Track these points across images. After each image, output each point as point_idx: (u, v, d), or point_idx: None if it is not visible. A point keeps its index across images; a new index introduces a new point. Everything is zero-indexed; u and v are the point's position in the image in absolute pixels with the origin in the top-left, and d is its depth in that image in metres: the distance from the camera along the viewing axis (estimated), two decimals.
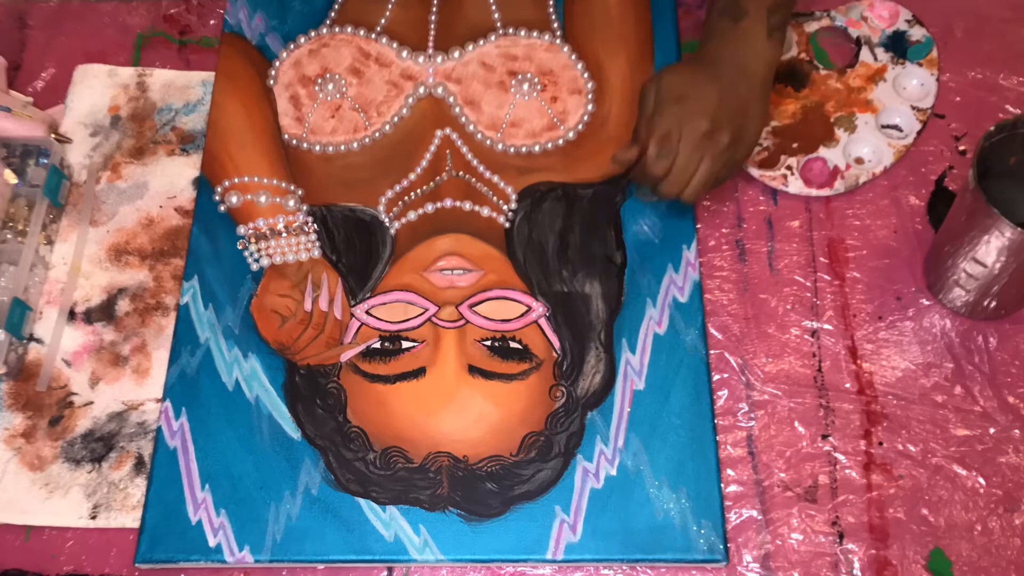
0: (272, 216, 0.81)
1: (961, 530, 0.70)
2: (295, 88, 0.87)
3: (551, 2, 0.90)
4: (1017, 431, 0.73)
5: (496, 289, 0.77)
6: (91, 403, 0.76)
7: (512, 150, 0.84)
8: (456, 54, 0.87)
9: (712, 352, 0.76)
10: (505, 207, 0.81)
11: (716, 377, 0.75)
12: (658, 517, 0.69)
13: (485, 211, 0.81)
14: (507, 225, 0.80)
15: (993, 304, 0.75)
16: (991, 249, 0.69)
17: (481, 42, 0.88)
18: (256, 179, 0.82)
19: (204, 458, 0.72)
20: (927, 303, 0.78)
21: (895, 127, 0.84)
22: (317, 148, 0.84)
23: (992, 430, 0.73)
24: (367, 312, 0.76)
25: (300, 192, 0.82)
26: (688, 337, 0.75)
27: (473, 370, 0.74)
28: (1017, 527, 0.70)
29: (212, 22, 0.93)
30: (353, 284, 0.78)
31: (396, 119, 0.85)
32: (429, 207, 0.81)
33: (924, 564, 0.69)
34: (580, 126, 0.85)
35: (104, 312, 0.79)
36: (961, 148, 0.84)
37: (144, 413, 0.75)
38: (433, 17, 0.90)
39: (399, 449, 0.72)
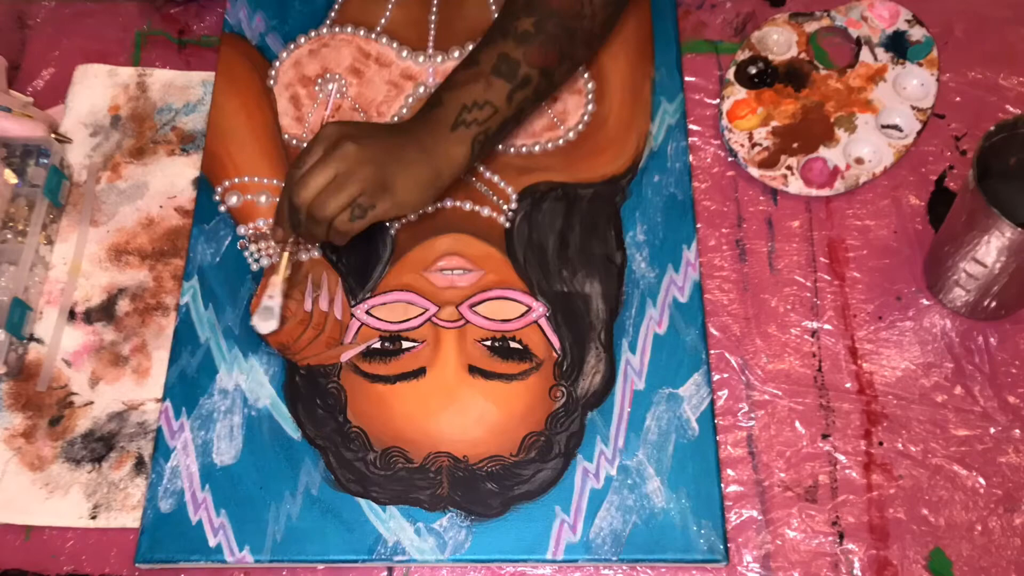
0: (272, 216, 0.81)
1: (961, 530, 0.70)
2: (295, 88, 0.87)
3: None
4: (1017, 431, 0.73)
5: (496, 289, 0.77)
6: (91, 403, 0.76)
7: (512, 150, 0.84)
8: (456, 54, 0.87)
9: (712, 352, 0.76)
10: (505, 207, 0.81)
11: (716, 377, 0.75)
12: (658, 517, 0.69)
13: (485, 211, 0.81)
14: (507, 225, 0.80)
15: (993, 304, 0.75)
16: (991, 249, 0.69)
17: None
18: (256, 179, 0.82)
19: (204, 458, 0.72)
20: (927, 303, 0.78)
21: (895, 127, 0.84)
22: None
23: (992, 430, 0.73)
24: (367, 312, 0.76)
25: None
26: (688, 337, 0.75)
27: (473, 370, 0.74)
28: (1017, 527, 0.70)
29: (213, 21, 0.93)
30: (353, 284, 0.78)
31: (396, 119, 0.85)
32: (429, 207, 0.81)
33: (924, 564, 0.69)
34: (580, 126, 0.84)
35: (104, 312, 0.79)
36: (962, 148, 0.84)
37: (144, 413, 0.75)
38: (433, 17, 0.90)
39: (399, 449, 0.72)
